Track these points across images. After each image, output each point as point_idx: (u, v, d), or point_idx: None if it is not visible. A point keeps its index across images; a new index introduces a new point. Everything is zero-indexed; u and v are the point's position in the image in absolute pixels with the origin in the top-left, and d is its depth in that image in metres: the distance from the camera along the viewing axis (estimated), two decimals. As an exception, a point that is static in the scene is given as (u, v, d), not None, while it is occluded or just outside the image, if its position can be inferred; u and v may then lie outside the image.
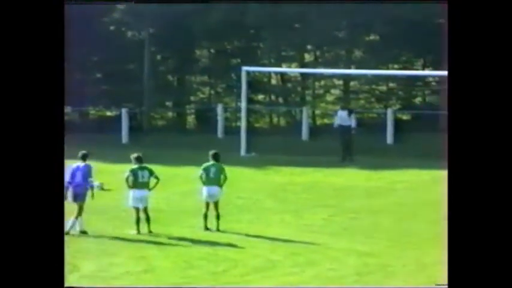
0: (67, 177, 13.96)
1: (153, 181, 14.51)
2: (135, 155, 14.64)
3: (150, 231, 14.39)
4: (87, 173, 14.27)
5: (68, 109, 30.36)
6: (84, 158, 14.44)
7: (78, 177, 14.20)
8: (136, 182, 14.35)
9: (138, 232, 14.32)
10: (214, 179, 14.66)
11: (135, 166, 14.47)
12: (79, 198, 14.18)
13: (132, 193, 14.39)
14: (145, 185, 14.43)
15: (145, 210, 14.44)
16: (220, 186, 14.74)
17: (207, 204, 14.65)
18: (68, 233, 13.73)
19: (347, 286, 11.80)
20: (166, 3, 27.78)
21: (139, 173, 14.39)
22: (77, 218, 14.18)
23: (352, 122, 23.20)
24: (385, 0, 27.23)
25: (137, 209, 14.39)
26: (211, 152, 14.93)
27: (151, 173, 14.52)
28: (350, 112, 23.46)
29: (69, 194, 14.08)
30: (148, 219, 14.41)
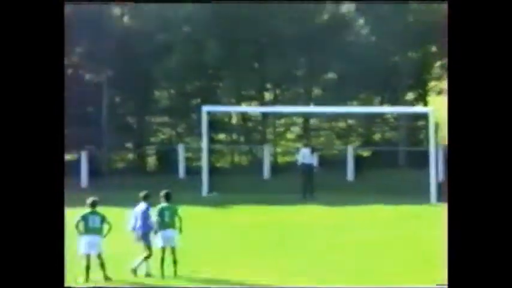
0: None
1: (105, 227, 14.23)
2: (90, 199, 14.38)
3: (106, 278, 14.02)
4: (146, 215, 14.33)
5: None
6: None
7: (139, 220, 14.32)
8: (87, 228, 14.07)
9: (87, 280, 13.83)
10: (169, 222, 14.36)
11: (86, 211, 14.22)
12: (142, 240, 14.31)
13: (82, 239, 14.06)
14: (96, 231, 14.13)
15: (100, 256, 14.10)
16: (176, 229, 14.45)
17: (163, 249, 14.32)
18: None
19: (347, 286, 11.65)
20: (166, 3, 27.70)
21: (90, 218, 14.12)
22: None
23: (314, 160, 23.29)
24: (385, 0, 27.59)
25: (88, 256, 14.04)
26: (162, 193, 14.67)
27: (103, 218, 14.25)
28: (313, 150, 23.58)
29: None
30: (102, 265, 14.07)
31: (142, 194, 14.58)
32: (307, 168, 23.17)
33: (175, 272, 14.28)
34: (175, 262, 14.30)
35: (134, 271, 14.22)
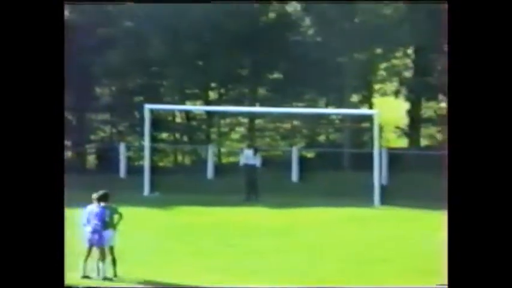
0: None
1: None
2: None
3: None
4: (101, 216, 13.88)
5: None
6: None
7: (93, 220, 13.89)
8: None
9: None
10: (109, 222, 14.03)
11: None
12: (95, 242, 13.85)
13: None
14: None
15: None
16: (114, 228, 14.10)
17: (90, 249, 13.94)
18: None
19: (347, 286, 11.39)
20: (165, 3, 27.02)
21: None
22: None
23: (257, 161, 23.07)
24: (382, 0, 27.51)
25: None
26: (99, 193, 14.28)
27: None
28: (255, 151, 23.35)
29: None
30: None
31: (97, 195, 14.05)
32: (251, 169, 22.93)
33: (114, 271, 13.91)
34: (114, 261, 13.96)
35: (105, 278, 13.76)
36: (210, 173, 26.67)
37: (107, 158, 28.74)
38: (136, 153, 28.80)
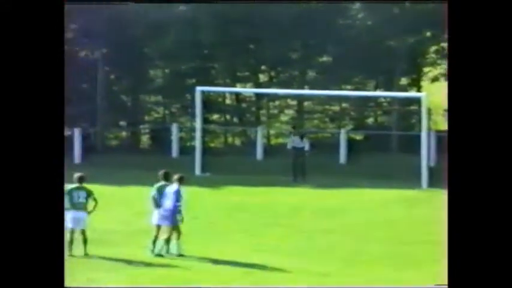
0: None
1: (91, 203, 14.10)
2: (77, 174, 14.23)
3: (85, 254, 13.98)
4: (176, 196, 14.05)
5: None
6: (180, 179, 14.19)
7: (168, 200, 14.04)
8: (72, 203, 13.91)
9: (70, 254, 13.77)
10: (167, 201, 14.28)
11: (72, 186, 14.01)
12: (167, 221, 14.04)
13: (68, 214, 13.87)
14: (81, 206, 14.00)
15: (83, 232, 14.02)
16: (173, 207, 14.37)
17: (158, 227, 14.28)
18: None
19: (347, 286, 11.75)
20: (166, 3, 27.61)
21: (75, 193, 13.94)
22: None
23: (306, 145, 23.41)
24: (382, 0, 27.61)
25: (72, 231, 13.94)
26: (161, 172, 14.61)
27: (89, 194, 14.09)
28: (302, 137, 23.69)
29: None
30: (85, 241, 14.00)
31: (162, 172, 14.38)
32: (298, 152, 23.28)
33: (167, 249, 14.30)
34: (168, 240, 14.30)
35: (179, 255, 14.09)
36: (259, 154, 27.08)
37: (160, 139, 29.39)
38: (188, 134, 29.38)
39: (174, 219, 14.17)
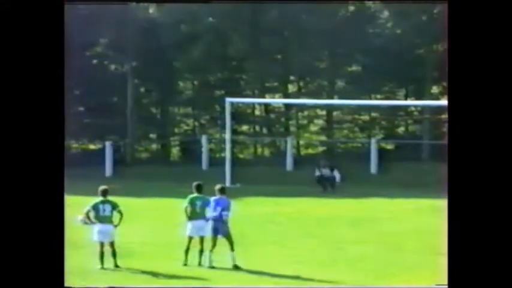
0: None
1: (116, 216, 14.14)
2: (101, 188, 14.32)
3: (116, 266, 14.02)
4: (225, 206, 14.07)
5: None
6: (222, 190, 14.18)
7: (217, 211, 14.06)
8: (98, 217, 14.05)
9: (102, 267, 13.90)
10: (200, 213, 14.34)
11: (97, 200, 14.16)
12: (219, 231, 14.07)
13: (95, 228, 14.06)
14: (107, 219, 14.08)
15: (112, 244, 14.09)
16: (206, 219, 14.34)
17: (190, 239, 14.32)
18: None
19: (347, 286, 11.60)
20: (166, 3, 27.82)
21: (101, 206, 14.06)
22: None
23: (337, 176, 23.38)
24: (384, 0, 27.52)
25: (102, 243, 14.06)
26: (194, 184, 14.63)
27: (114, 206, 14.16)
28: (332, 168, 23.65)
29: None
30: (114, 254, 14.06)
31: (195, 184, 14.45)
32: (327, 180, 23.37)
33: (200, 261, 14.26)
34: (202, 251, 14.29)
35: (235, 266, 14.06)
36: (289, 164, 27.05)
37: (190, 151, 29.54)
38: (218, 145, 29.47)
39: (223, 229, 14.16)
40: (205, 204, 14.39)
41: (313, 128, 31.26)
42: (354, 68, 30.42)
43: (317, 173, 23.59)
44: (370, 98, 29.41)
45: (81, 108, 31.11)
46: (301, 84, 30.90)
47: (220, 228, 14.19)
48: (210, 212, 14.24)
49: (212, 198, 14.36)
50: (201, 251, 14.30)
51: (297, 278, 13.64)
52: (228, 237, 14.21)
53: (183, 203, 14.55)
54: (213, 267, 14.13)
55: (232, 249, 14.19)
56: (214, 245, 14.22)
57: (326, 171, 23.38)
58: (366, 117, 30.59)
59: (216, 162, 26.43)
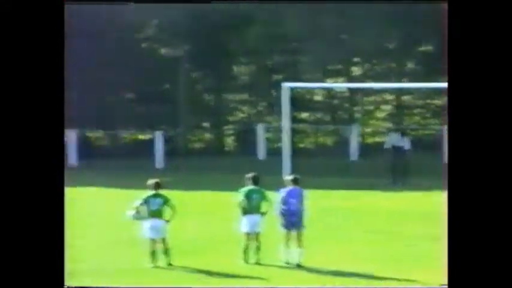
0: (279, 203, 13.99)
1: (168, 210, 14.09)
2: (152, 181, 14.27)
3: (169, 264, 13.99)
4: (300, 197, 14.08)
5: (99, 133, 30.75)
6: (295, 181, 14.17)
7: (291, 203, 14.03)
8: (149, 211, 13.99)
9: (155, 265, 13.88)
10: (256, 207, 14.26)
11: (148, 194, 14.12)
12: (295, 226, 14.01)
13: (146, 223, 14.02)
14: (159, 214, 14.03)
15: (164, 241, 14.03)
16: (262, 214, 14.33)
17: (247, 235, 14.21)
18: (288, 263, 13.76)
19: (348, 286, 11.67)
20: (167, 3, 27.91)
21: (152, 201, 14.01)
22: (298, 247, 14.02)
23: (406, 143, 23.03)
24: (386, 0, 27.13)
25: (153, 240, 14.01)
26: (250, 175, 14.51)
27: (165, 201, 14.10)
28: (403, 134, 23.37)
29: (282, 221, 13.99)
30: (167, 251, 14.02)
31: (250, 176, 14.41)
32: (398, 151, 22.93)
33: (257, 259, 14.18)
34: (258, 249, 14.20)
35: (298, 265, 14.00)
36: (353, 154, 26.83)
37: (245, 140, 29.58)
38: (275, 134, 29.41)
39: (299, 223, 14.05)
40: (262, 197, 14.31)
41: (380, 114, 30.93)
42: (425, 48, 29.98)
43: (387, 144, 23.39)
44: (443, 81, 28.92)
45: (131, 96, 31.47)
46: (367, 66, 30.60)
47: (296, 221, 14.04)
48: (280, 205, 14.10)
49: (283, 190, 14.23)
50: (258, 248, 14.21)
51: (362, 276, 13.51)
52: (300, 232, 14.05)
53: (238, 196, 14.55)
54: (300, 266, 13.94)
55: (300, 245, 14.03)
56: (288, 240, 14.07)
57: (396, 138, 23.13)
58: (438, 102, 30.12)
59: (274, 152, 26.37)
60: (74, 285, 11.50)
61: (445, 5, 9.87)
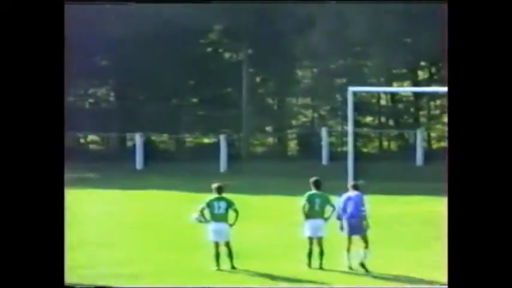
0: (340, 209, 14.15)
1: (231, 214, 14.17)
2: (215, 185, 14.38)
3: (232, 267, 14.07)
4: (359, 202, 14.20)
5: (164, 137, 31.11)
6: (355, 186, 14.41)
7: (351, 208, 14.13)
8: (213, 215, 14.10)
9: (218, 268, 13.99)
10: (319, 211, 14.27)
11: (212, 197, 14.22)
12: (356, 230, 14.11)
13: (210, 226, 14.13)
14: (222, 217, 14.10)
15: (227, 244, 14.11)
16: (325, 219, 14.33)
17: (311, 240, 14.23)
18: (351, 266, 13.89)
19: (348, 286, 11.56)
20: (167, 4, 27.96)
21: (216, 204, 14.11)
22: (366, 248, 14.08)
23: None
24: (386, 0, 26.72)
25: (217, 244, 14.11)
26: (312, 179, 14.51)
27: (229, 204, 14.17)
28: None
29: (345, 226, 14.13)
30: (230, 255, 14.09)
31: (313, 180, 14.49)
32: None
33: (321, 263, 14.18)
34: (321, 254, 14.19)
35: (362, 264, 14.04)
36: (419, 159, 26.53)
37: (309, 144, 29.51)
38: (339, 138, 29.29)
39: (361, 227, 14.09)
40: (325, 202, 14.31)
41: (446, 119, 30.53)
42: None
43: None
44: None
45: (195, 100, 31.74)
46: (433, 70, 30.23)
47: (358, 226, 14.03)
48: (339, 210, 14.15)
49: (344, 195, 14.27)
50: (322, 253, 14.20)
51: (426, 282, 13.34)
52: (365, 236, 14.03)
53: (300, 201, 14.52)
54: (364, 269, 13.92)
55: (366, 247, 13.99)
56: (350, 245, 14.08)
57: None
58: (506, 107, 29.61)
59: (337, 157, 26.27)
60: (73, 283, 11.63)
61: (445, 5, 9.97)
